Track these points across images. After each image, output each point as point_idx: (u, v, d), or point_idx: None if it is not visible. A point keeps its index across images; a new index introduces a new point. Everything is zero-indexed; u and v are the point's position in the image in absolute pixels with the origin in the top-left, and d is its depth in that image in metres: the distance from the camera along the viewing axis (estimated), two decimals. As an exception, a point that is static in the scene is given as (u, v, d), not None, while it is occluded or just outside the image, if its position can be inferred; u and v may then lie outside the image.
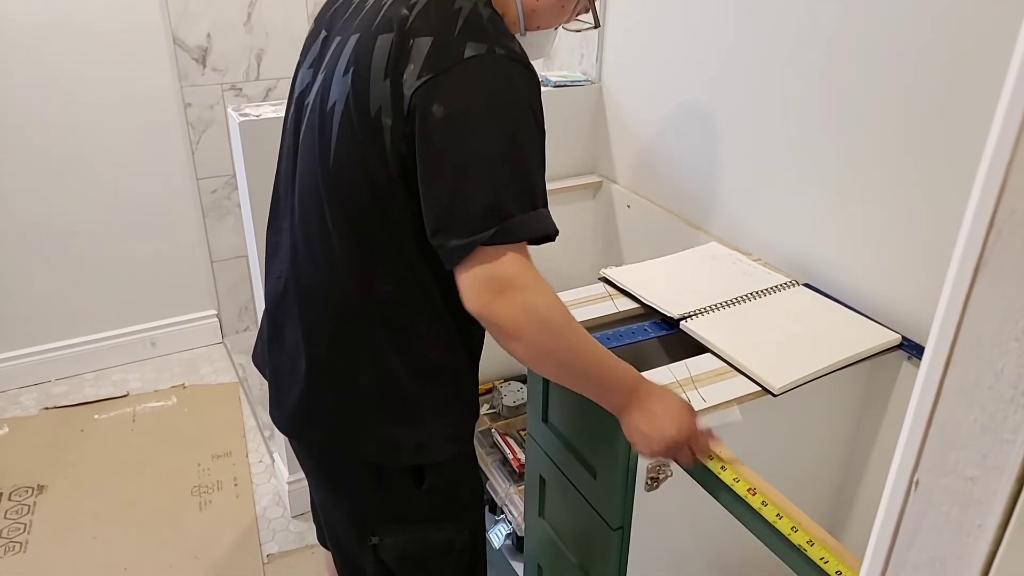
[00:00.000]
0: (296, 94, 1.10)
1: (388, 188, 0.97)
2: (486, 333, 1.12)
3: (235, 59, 2.54)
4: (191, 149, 2.58)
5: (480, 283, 0.91)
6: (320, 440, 1.15)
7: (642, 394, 1.00)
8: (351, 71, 0.97)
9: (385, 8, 0.97)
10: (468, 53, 0.90)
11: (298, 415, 1.14)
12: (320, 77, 1.03)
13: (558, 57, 2.07)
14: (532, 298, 0.92)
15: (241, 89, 2.58)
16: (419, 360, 1.07)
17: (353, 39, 0.99)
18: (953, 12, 1.12)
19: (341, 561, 1.28)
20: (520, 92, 0.93)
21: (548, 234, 0.94)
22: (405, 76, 0.91)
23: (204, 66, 2.50)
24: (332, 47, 1.03)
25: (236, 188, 2.70)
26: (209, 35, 2.47)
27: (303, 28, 2.54)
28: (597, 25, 1.14)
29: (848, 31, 1.27)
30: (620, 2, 1.82)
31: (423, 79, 0.90)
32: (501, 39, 0.94)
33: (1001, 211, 0.30)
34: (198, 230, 2.71)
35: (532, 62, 0.99)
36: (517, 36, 1.03)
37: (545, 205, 0.95)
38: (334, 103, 0.99)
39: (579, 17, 1.14)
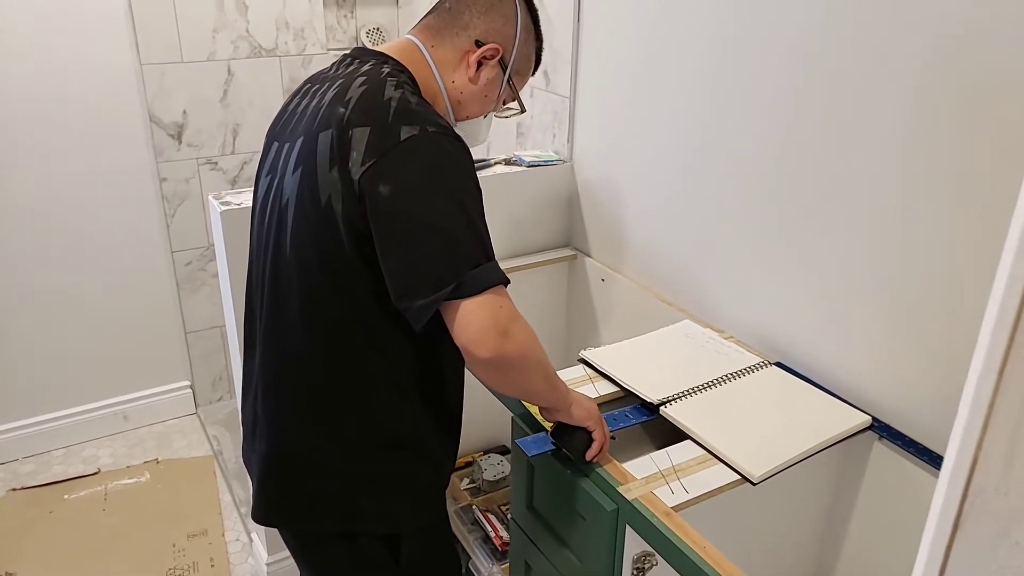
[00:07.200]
0: (259, 201, 1.19)
1: (346, 267, 1.04)
2: (462, 402, 1.23)
3: (211, 134, 2.57)
4: (166, 223, 2.59)
5: (478, 334, 0.96)
6: (295, 520, 1.20)
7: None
8: (299, 169, 1.06)
9: (323, 110, 1.07)
10: (404, 135, 0.99)
11: (267, 503, 1.19)
12: (276, 181, 1.13)
13: (531, 137, 2.13)
14: (518, 337, 1.00)
15: (217, 163, 2.61)
16: (383, 433, 1.13)
17: (299, 142, 1.09)
18: (924, 100, 1.19)
19: None
20: (456, 160, 1.02)
21: (503, 282, 1.00)
22: (351, 164, 0.99)
23: (180, 142, 2.52)
24: (283, 154, 1.13)
25: (211, 259, 2.71)
26: (185, 111, 2.50)
27: (278, 101, 2.57)
28: (523, 111, 1.26)
29: (823, 113, 1.33)
30: (590, 81, 1.89)
31: (367, 164, 0.98)
32: (431, 118, 1.03)
33: (969, 496, 0.35)
34: (172, 302, 2.70)
35: (474, 147, 1.10)
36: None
37: (493, 258, 1.01)
38: (288, 199, 1.08)
39: (507, 104, 1.26)
